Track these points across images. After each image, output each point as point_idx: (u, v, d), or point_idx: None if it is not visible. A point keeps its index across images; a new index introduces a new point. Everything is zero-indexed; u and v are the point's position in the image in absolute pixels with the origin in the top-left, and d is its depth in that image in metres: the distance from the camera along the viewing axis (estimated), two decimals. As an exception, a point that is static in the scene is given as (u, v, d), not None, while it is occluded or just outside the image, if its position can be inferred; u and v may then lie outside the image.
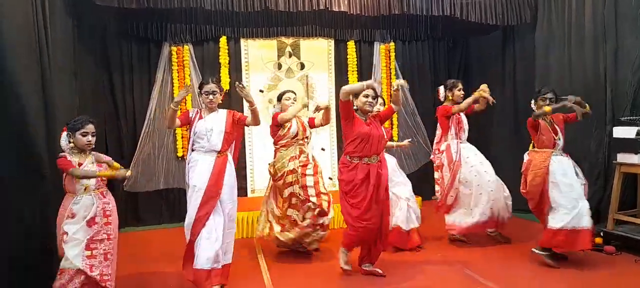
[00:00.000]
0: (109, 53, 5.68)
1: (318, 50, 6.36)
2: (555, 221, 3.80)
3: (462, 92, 4.60)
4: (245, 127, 5.41)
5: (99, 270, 2.99)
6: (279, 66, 6.26)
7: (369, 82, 3.54)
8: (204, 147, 3.59)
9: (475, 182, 4.45)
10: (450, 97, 4.63)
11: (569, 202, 3.79)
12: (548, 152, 3.93)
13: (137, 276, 3.93)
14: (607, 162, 4.65)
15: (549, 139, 3.94)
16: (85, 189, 3.02)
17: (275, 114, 4.27)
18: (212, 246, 3.40)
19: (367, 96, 3.54)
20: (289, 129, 4.25)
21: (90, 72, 5.20)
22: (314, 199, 4.11)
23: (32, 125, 3.33)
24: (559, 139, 3.93)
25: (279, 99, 4.38)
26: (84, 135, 3.04)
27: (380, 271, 3.73)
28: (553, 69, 5.30)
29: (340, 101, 3.49)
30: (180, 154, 5.80)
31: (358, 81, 6.48)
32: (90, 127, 3.07)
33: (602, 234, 4.28)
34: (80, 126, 3.03)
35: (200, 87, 3.71)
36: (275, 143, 4.34)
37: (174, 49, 5.78)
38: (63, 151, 3.05)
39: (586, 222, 3.76)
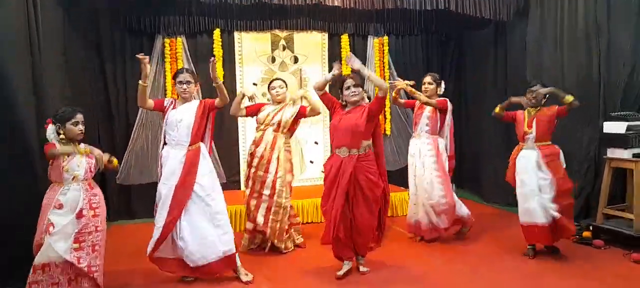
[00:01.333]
0: (102, 45, 5.63)
1: (312, 44, 6.35)
2: (519, 215, 4.00)
3: (425, 86, 4.53)
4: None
5: (87, 261, 2.97)
6: (273, 59, 6.25)
7: (331, 73, 3.57)
8: (174, 140, 3.53)
9: (411, 180, 4.56)
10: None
11: (521, 197, 3.94)
12: (521, 145, 4.02)
13: (128, 270, 3.92)
14: (598, 157, 4.70)
15: (519, 132, 4.03)
16: (73, 179, 2.98)
17: (302, 108, 4.24)
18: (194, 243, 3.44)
19: (348, 87, 3.52)
20: (261, 113, 4.25)
21: (83, 64, 5.16)
22: (248, 197, 4.18)
23: (23, 119, 3.31)
24: (531, 133, 3.93)
25: (269, 87, 4.37)
26: (75, 125, 3.02)
27: (365, 269, 3.67)
28: (546, 65, 5.33)
29: (320, 97, 3.63)
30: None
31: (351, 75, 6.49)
32: (79, 116, 3.05)
33: (591, 228, 4.34)
34: (70, 116, 3.01)
35: (175, 76, 3.65)
36: None
37: (167, 41, 5.74)
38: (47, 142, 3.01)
39: (540, 218, 3.82)
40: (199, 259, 3.44)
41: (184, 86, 3.57)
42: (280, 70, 6.25)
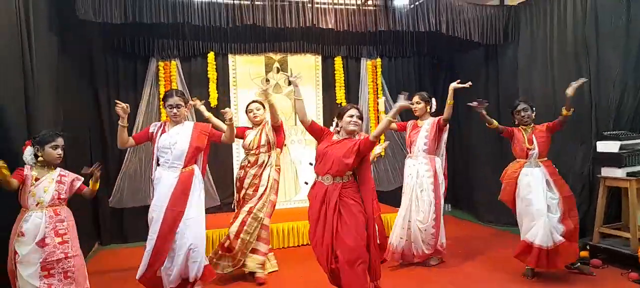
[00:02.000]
0: (95, 68, 5.62)
1: (305, 66, 6.39)
2: (521, 232, 3.95)
3: (416, 105, 4.55)
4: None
5: None
6: (267, 81, 6.27)
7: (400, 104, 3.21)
8: (167, 162, 3.51)
9: (404, 201, 4.51)
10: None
11: (525, 216, 3.88)
12: (521, 162, 3.98)
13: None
14: (592, 176, 4.71)
15: (521, 149, 3.99)
16: (37, 204, 2.87)
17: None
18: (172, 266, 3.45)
19: (352, 115, 3.29)
20: (245, 139, 4.25)
21: (75, 87, 5.13)
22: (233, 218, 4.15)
23: (14, 141, 3.26)
24: (533, 149, 3.93)
25: (246, 110, 4.34)
26: (54, 149, 2.96)
27: None
28: (536, 85, 5.39)
29: (306, 128, 3.40)
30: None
31: (345, 97, 6.54)
32: (60, 141, 2.99)
33: (588, 247, 4.33)
34: (50, 139, 2.95)
35: (164, 99, 3.64)
36: None
37: (162, 64, 5.75)
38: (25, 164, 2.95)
39: (538, 239, 3.76)
40: (174, 280, 3.47)
41: (175, 110, 3.56)
42: (274, 92, 6.26)
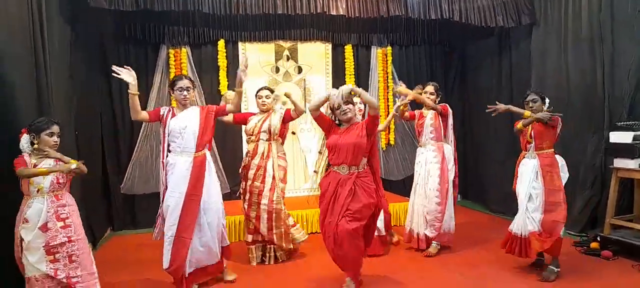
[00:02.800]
0: (107, 55, 5.65)
1: (316, 54, 6.37)
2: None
3: (427, 95, 4.51)
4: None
5: (65, 273, 2.91)
6: (277, 69, 6.26)
7: (327, 94, 3.41)
8: (179, 147, 3.50)
9: (413, 189, 4.57)
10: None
11: (519, 206, 3.85)
12: (523, 154, 3.95)
13: (130, 280, 3.90)
14: (604, 167, 4.66)
15: (522, 143, 3.96)
16: (38, 191, 2.91)
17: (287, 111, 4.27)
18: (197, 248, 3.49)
19: (339, 106, 3.39)
20: (248, 124, 4.27)
21: (88, 74, 5.17)
22: (246, 207, 4.18)
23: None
24: (532, 141, 3.85)
25: (256, 95, 4.34)
26: (50, 136, 2.98)
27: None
28: (550, 74, 5.32)
29: (314, 119, 3.52)
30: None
31: (355, 84, 6.49)
32: (55, 128, 3.01)
33: (599, 239, 4.29)
34: (46, 126, 2.97)
35: (173, 84, 3.61)
36: None
37: (172, 51, 5.77)
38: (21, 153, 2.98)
39: (515, 227, 3.80)
40: (197, 262, 3.53)
41: (185, 93, 3.55)
42: (284, 80, 6.25)
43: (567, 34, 5.09)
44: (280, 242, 4.19)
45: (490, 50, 6.40)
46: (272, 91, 4.35)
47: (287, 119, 4.25)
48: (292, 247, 4.32)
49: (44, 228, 2.88)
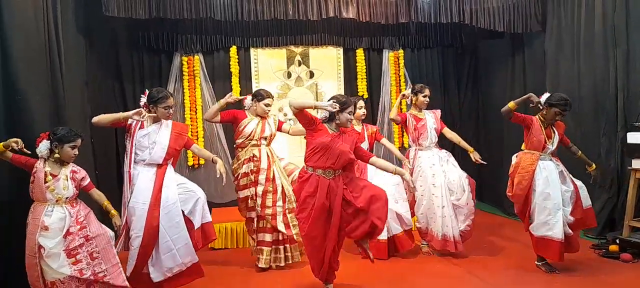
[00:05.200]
0: (121, 63, 5.74)
1: (327, 59, 6.38)
2: (532, 227, 3.82)
3: (426, 99, 4.53)
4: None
5: (90, 270, 2.94)
6: (289, 75, 6.28)
7: (320, 104, 3.31)
8: (144, 161, 3.48)
9: (419, 192, 4.44)
10: (415, 102, 4.61)
11: (543, 210, 3.74)
12: (536, 154, 3.82)
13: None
14: (621, 169, 4.58)
15: (539, 141, 3.82)
16: (57, 201, 2.96)
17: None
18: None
19: (351, 113, 3.35)
20: (244, 127, 4.20)
21: (102, 82, 5.26)
22: (259, 210, 4.11)
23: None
24: (551, 144, 3.81)
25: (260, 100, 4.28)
26: (72, 148, 3.02)
27: None
28: (563, 76, 5.26)
29: (294, 113, 3.29)
30: (190, 163, 5.85)
31: (366, 89, 6.50)
32: (79, 141, 3.06)
33: (618, 241, 4.22)
34: (71, 139, 3.01)
35: (158, 99, 3.55)
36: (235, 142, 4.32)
37: (185, 59, 5.84)
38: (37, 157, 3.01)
39: (558, 233, 3.66)
40: (165, 272, 3.42)
41: (171, 111, 3.60)
42: (296, 85, 6.28)
43: (580, 36, 5.03)
44: (299, 238, 4.13)
45: (503, 51, 6.34)
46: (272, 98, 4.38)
47: (279, 129, 4.37)
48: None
49: (67, 234, 2.93)
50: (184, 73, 5.83)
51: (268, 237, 4.18)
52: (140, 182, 3.44)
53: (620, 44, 4.57)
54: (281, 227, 4.10)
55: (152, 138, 3.49)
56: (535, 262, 3.94)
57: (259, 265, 4.13)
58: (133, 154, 3.49)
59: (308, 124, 3.30)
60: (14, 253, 3.02)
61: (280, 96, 6.19)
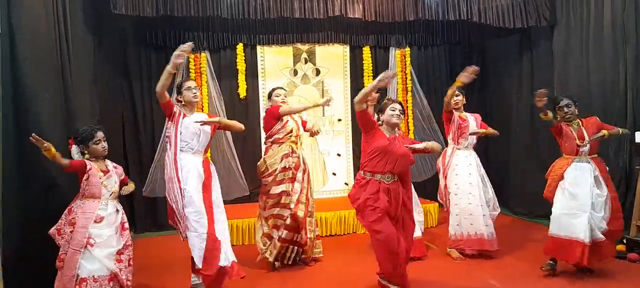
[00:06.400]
0: (128, 61, 5.79)
1: (333, 56, 6.38)
2: (551, 227, 3.77)
3: (459, 98, 4.46)
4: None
5: (125, 274, 3.00)
6: (295, 72, 6.29)
7: (377, 80, 3.07)
8: (192, 148, 3.49)
9: (453, 191, 4.39)
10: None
11: (566, 209, 3.67)
12: (570, 158, 3.77)
13: (159, 283, 3.94)
14: (629, 168, 4.54)
15: (571, 146, 3.77)
16: (111, 194, 3.07)
17: (274, 107, 4.21)
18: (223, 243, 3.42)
19: (394, 109, 3.28)
20: (285, 124, 4.22)
21: (110, 79, 5.30)
22: (292, 207, 4.07)
23: (53, 135, 3.38)
24: (584, 146, 3.72)
25: (270, 96, 4.38)
26: (97, 144, 3.06)
27: None
28: (571, 74, 5.21)
29: (356, 113, 3.19)
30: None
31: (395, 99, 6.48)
32: (99, 134, 3.08)
33: (625, 241, 4.19)
34: (90, 135, 3.04)
35: (180, 86, 3.59)
36: (268, 138, 4.29)
37: (192, 56, 5.86)
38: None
39: (582, 235, 3.54)
40: (224, 260, 3.37)
41: (194, 91, 3.58)
42: (302, 83, 6.29)
43: (589, 34, 4.99)
44: (310, 248, 4.20)
45: (511, 49, 6.30)
46: (284, 89, 4.42)
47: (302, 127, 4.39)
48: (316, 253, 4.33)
49: (123, 228, 3.05)
50: (190, 70, 5.86)
51: (289, 235, 4.13)
52: (192, 170, 3.41)
53: (629, 42, 4.53)
54: (302, 231, 4.13)
55: (198, 126, 3.49)
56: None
57: (270, 259, 4.12)
58: (179, 144, 3.45)
59: (366, 125, 3.23)
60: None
61: (286, 94, 6.17)
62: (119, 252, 3.01)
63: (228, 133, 5.93)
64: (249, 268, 4.17)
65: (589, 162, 3.71)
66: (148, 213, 5.91)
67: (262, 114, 6.02)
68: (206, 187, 3.46)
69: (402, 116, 3.32)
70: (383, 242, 3.12)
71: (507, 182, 6.45)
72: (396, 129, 3.34)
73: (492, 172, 6.63)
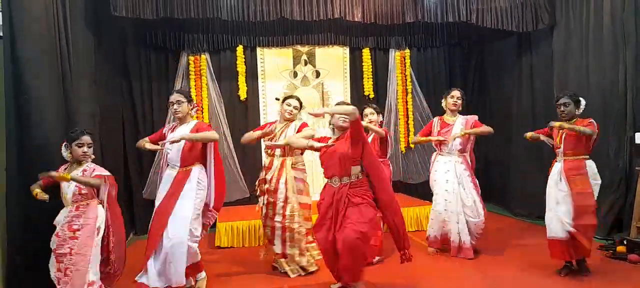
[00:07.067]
0: (128, 62, 5.79)
1: (333, 58, 6.39)
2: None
3: (454, 100, 4.41)
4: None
5: (61, 286, 2.92)
6: (295, 74, 6.30)
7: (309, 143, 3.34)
8: (170, 161, 3.56)
9: (434, 194, 4.46)
10: (444, 106, 4.52)
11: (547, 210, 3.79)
12: (555, 160, 3.85)
13: None
14: (629, 169, 4.55)
15: (554, 147, 3.86)
16: (65, 200, 3.07)
17: (302, 124, 4.02)
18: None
19: (289, 104, 3.51)
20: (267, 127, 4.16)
21: (110, 80, 5.29)
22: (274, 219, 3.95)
23: (54, 137, 3.39)
24: (560, 148, 3.76)
25: (284, 101, 4.12)
26: (79, 146, 3.04)
27: None
28: (571, 76, 5.22)
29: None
30: (198, 162, 5.87)
31: (373, 88, 6.51)
32: (85, 139, 3.07)
33: (625, 242, 4.19)
34: (76, 137, 3.05)
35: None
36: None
37: (192, 58, 5.87)
38: (66, 161, 3.11)
39: (557, 231, 3.65)
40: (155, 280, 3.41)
41: (175, 106, 3.55)
42: (302, 85, 6.29)
43: (588, 35, 5.01)
44: (295, 258, 3.96)
45: (510, 50, 6.32)
46: (301, 103, 4.13)
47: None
48: (310, 262, 4.06)
49: (57, 235, 2.96)
50: (190, 72, 5.86)
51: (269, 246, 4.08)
52: (162, 183, 3.62)
53: (629, 43, 4.54)
54: (278, 249, 3.95)
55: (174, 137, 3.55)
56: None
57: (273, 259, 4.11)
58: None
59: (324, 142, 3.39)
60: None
61: (297, 107, 6.16)
62: (59, 259, 2.90)
63: (228, 135, 5.94)
64: (249, 269, 4.17)
65: (561, 162, 3.75)
66: (148, 215, 5.86)
67: (262, 116, 6.08)
68: (171, 195, 3.46)
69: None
70: (320, 245, 3.41)
71: (508, 183, 6.46)
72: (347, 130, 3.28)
73: (492, 174, 6.70)
